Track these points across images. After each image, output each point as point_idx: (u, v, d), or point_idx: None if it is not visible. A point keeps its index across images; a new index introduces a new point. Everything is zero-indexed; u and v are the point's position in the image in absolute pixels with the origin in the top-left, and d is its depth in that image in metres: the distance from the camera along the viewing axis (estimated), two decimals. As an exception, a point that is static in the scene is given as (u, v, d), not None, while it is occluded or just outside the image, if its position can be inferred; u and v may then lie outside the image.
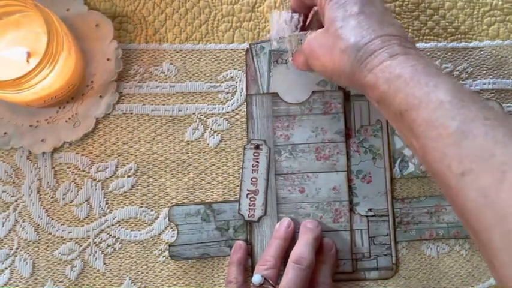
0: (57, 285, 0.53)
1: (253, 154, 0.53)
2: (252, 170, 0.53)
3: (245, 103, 0.55)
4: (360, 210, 0.53)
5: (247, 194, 0.53)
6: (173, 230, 0.53)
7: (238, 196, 0.53)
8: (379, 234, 0.53)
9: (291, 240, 0.51)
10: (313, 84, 0.54)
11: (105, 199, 0.54)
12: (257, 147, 0.53)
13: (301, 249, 0.49)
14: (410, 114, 0.37)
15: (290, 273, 0.47)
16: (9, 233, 0.53)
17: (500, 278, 0.33)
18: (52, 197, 0.54)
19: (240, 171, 0.54)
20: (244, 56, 0.55)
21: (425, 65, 0.39)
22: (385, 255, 0.53)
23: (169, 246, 0.52)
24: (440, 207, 0.53)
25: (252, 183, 0.53)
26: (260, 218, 0.52)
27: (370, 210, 0.53)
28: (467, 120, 0.35)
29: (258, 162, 0.53)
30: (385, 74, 0.39)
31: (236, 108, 0.55)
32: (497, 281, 0.34)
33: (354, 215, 0.53)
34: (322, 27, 0.45)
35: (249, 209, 0.52)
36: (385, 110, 0.40)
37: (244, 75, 0.55)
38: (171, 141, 0.54)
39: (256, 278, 0.47)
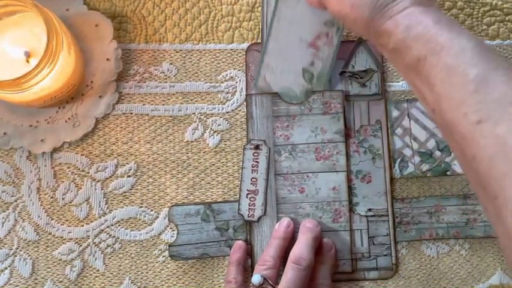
0: (56, 285, 0.53)
1: (253, 154, 0.53)
2: (252, 170, 0.53)
3: (245, 103, 0.55)
4: (359, 210, 0.53)
5: (247, 194, 0.53)
6: (173, 230, 0.53)
7: (237, 196, 0.53)
8: (379, 234, 0.53)
9: (290, 240, 0.51)
10: (320, 23, 0.52)
11: (104, 199, 0.54)
12: (257, 147, 0.53)
13: (301, 249, 0.49)
14: (429, 61, 0.37)
15: (289, 274, 0.47)
16: (9, 233, 0.53)
17: (508, 230, 0.32)
18: (52, 197, 0.54)
19: (240, 171, 0.54)
20: (244, 56, 0.55)
21: (448, 17, 0.38)
22: (385, 255, 0.53)
23: (169, 246, 0.52)
24: (440, 207, 0.53)
25: (251, 183, 0.53)
26: (260, 218, 0.52)
27: (369, 210, 0.53)
28: (488, 67, 0.34)
29: (257, 162, 0.53)
30: (406, 20, 0.38)
31: (236, 108, 0.55)
32: (504, 235, 0.33)
33: (354, 215, 0.53)
34: None
35: (249, 209, 0.52)
36: (400, 58, 0.39)
37: (244, 75, 0.55)
38: (170, 141, 0.54)
39: (256, 278, 0.47)
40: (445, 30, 0.37)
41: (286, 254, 0.49)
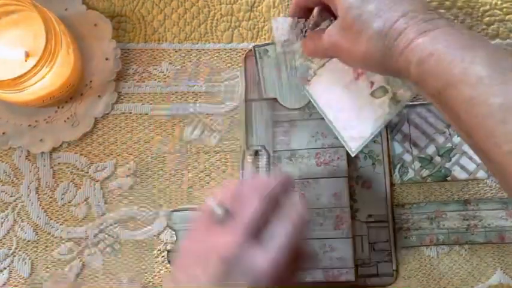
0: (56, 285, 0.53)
1: (253, 160, 0.53)
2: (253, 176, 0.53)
3: (244, 103, 0.54)
4: (359, 217, 0.53)
5: (248, 200, 0.52)
6: (172, 230, 0.53)
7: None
8: (380, 241, 0.52)
9: None
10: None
11: (103, 199, 0.54)
12: (256, 153, 0.53)
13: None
14: (448, 94, 0.36)
15: None
16: (8, 233, 0.53)
17: None
18: (51, 197, 0.54)
19: (240, 171, 0.53)
20: (242, 55, 0.55)
21: (457, 38, 0.37)
22: (386, 261, 0.52)
23: (168, 252, 0.52)
24: (440, 213, 0.53)
25: (252, 190, 0.52)
26: (262, 223, 0.52)
27: (370, 216, 0.52)
28: (510, 95, 0.33)
29: (258, 168, 0.53)
30: (416, 55, 0.37)
31: (235, 108, 0.55)
32: None
33: (354, 221, 0.52)
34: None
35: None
36: (423, 90, 0.39)
37: (243, 74, 0.55)
38: (170, 141, 0.54)
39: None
40: (457, 57, 0.36)
41: None
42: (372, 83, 0.49)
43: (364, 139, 0.48)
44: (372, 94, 0.49)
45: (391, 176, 0.53)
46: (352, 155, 0.49)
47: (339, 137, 0.49)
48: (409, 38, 0.38)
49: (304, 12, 0.48)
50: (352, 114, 0.49)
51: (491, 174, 0.37)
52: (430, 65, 0.37)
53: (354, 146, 0.49)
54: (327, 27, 0.46)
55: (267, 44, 0.54)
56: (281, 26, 0.49)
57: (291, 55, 0.52)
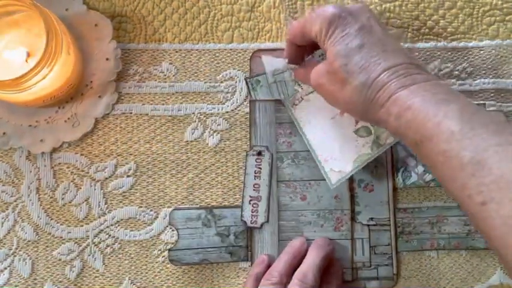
0: (56, 286, 0.53)
1: (256, 160, 0.53)
2: (255, 176, 0.53)
3: (244, 103, 0.55)
4: (361, 219, 0.53)
5: (250, 200, 0.53)
6: (172, 230, 0.53)
7: (237, 197, 0.53)
8: (380, 244, 0.52)
9: (301, 259, 0.50)
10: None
11: (104, 199, 0.54)
12: (259, 153, 0.53)
13: (308, 267, 0.48)
14: (425, 146, 0.38)
15: None
16: (9, 233, 0.53)
17: None
18: (51, 197, 0.54)
19: (239, 171, 0.54)
20: (244, 56, 0.55)
21: (433, 92, 0.39)
22: (386, 265, 0.52)
23: (169, 250, 0.52)
24: (442, 218, 0.53)
25: (254, 190, 0.53)
26: (262, 224, 0.52)
27: (371, 219, 0.53)
28: (479, 149, 0.35)
29: (260, 168, 0.53)
30: (395, 108, 0.39)
31: (235, 108, 0.55)
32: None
33: (355, 223, 0.53)
34: None
35: (252, 215, 0.52)
36: (403, 140, 0.41)
37: (244, 75, 0.55)
38: (170, 141, 0.54)
39: None
40: (431, 113, 0.38)
41: (294, 270, 0.49)
42: (357, 121, 0.51)
43: (344, 174, 0.50)
44: (356, 132, 0.51)
45: (393, 179, 0.53)
46: (331, 188, 0.50)
47: (319, 167, 0.51)
48: (390, 92, 0.40)
49: (297, 52, 0.49)
50: (334, 148, 0.51)
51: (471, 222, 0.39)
52: (407, 118, 0.39)
53: (334, 180, 0.50)
54: (320, 56, 0.49)
55: (258, 75, 0.54)
56: (270, 61, 0.50)
57: (282, 83, 0.53)
